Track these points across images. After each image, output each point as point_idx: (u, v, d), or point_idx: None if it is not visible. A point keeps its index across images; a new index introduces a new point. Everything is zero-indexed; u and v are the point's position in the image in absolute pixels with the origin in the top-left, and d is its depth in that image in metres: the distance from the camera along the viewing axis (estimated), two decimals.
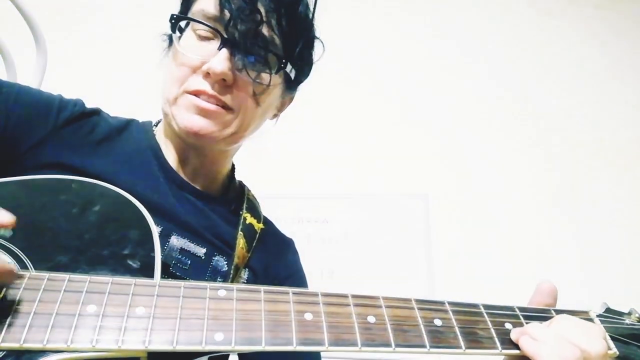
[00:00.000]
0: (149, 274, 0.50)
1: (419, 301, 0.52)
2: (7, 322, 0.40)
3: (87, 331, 0.41)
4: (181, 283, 0.47)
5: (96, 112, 0.78)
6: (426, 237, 2.03)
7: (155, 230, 0.55)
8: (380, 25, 2.50)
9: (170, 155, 0.77)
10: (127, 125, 0.79)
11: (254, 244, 0.81)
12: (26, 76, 1.24)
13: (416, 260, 2.00)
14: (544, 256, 1.99)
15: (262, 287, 0.48)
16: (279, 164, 2.15)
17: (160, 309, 0.44)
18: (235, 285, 0.47)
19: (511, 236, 2.03)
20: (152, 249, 0.53)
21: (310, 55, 0.80)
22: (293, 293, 0.49)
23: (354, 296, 0.50)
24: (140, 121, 0.83)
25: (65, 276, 0.45)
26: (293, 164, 2.13)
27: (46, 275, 0.45)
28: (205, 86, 0.69)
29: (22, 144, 0.67)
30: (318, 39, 0.79)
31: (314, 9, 0.76)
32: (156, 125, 0.82)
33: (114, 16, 2.64)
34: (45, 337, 0.40)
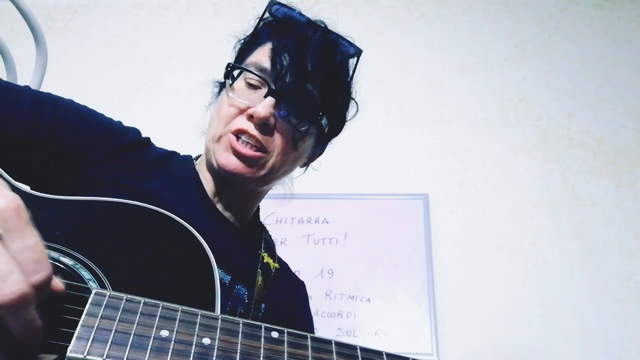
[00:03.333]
0: (207, 305, 0.55)
1: None
2: (92, 336, 0.43)
3: (161, 354, 0.44)
4: (239, 320, 0.50)
5: (148, 142, 0.85)
6: (426, 237, 2.03)
7: (217, 270, 0.60)
8: (380, 25, 2.50)
9: (208, 187, 0.84)
10: (171, 155, 0.87)
11: (269, 282, 0.86)
12: (26, 76, 1.24)
13: (416, 260, 2.00)
14: (544, 256, 1.99)
15: (309, 335, 0.51)
16: None
17: (222, 342, 0.47)
18: (286, 329, 0.51)
19: (511, 236, 2.04)
20: (212, 283, 0.58)
21: (344, 114, 0.90)
22: (335, 344, 0.51)
23: (388, 355, 0.52)
24: (181, 154, 0.90)
25: (141, 299, 0.48)
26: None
27: (124, 296, 0.48)
28: (248, 126, 0.77)
29: (82, 158, 0.74)
30: (354, 99, 0.90)
31: (354, 72, 0.87)
32: (196, 159, 0.90)
33: (114, 16, 2.64)
34: (124, 355, 0.43)
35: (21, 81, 1.22)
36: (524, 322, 1.88)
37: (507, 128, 2.24)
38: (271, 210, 2.05)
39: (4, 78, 1.19)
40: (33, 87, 1.18)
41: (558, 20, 2.44)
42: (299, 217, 2.11)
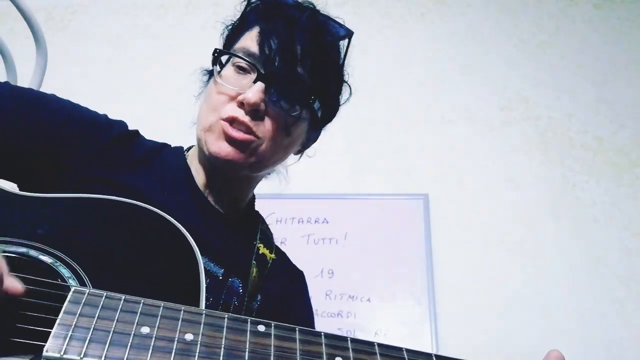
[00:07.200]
0: (193, 299, 0.54)
1: (439, 357, 0.52)
2: (69, 335, 0.42)
3: (141, 351, 0.43)
4: (224, 314, 0.49)
5: (136, 134, 0.83)
6: (426, 237, 2.03)
7: (201, 261, 0.59)
8: (380, 25, 2.50)
9: (200, 179, 0.82)
10: (161, 148, 0.85)
11: (265, 273, 0.84)
12: (26, 76, 1.24)
13: (416, 260, 2.00)
14: (544, 256, 1.99)
15: (297, 327, 0.50)
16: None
17: (206, 337, 0.46)
18: (273, 322, 0.49)
19: (511, 236, 2.03)
20: (197, 279, 0.57)
21: (338, 98, 0.86)
22: (325, 336, 0.50)
23: (379, 345, 0.51)
24: (173, 146, 0.88)
25: (122, 296, 0.47)
26: (293, 164, 2.13)
27: (104, 293, 0.47)
28: (239, 113, 0.75)
29: (69, 156, 0.73)
30: (346, 83, 0.86)
31: (345, 55, 0.83)
32: (187, 151, 0.87)
33: (114, 16, 2.64)
34: (103, 353, 0.42)
35: (21, 81, 1.22)
36: (523, 321, 1.88)
37: (507, 128, 2.24)
38: (271, 210, 2.05)
39: (4, 78, 1.19)
40: (33, 87, 1.19)
41: (558, 20, 2.44)
42: (299, 217, 2.11)
